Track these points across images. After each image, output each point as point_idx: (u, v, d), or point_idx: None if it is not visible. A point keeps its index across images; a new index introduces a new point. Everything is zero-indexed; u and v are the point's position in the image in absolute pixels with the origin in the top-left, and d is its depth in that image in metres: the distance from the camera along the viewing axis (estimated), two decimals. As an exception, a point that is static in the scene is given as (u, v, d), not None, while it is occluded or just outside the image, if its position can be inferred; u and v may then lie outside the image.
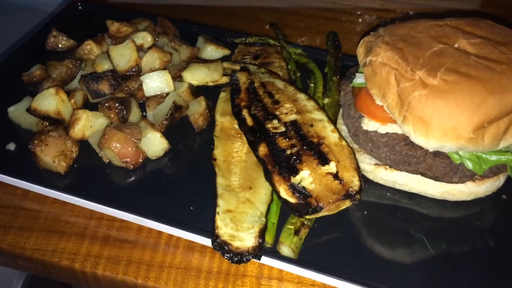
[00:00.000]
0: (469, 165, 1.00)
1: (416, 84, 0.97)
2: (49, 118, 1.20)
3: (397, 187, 1.13)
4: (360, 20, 1.80)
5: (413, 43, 1.03)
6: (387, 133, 1.06)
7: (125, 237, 1.08)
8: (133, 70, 1.28)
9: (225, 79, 1.34)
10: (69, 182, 1.16)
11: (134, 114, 1.24)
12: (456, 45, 1.02)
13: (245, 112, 1.20)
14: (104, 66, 1.30)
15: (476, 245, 1.06)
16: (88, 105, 1.28)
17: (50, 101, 1.20)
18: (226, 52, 1.46)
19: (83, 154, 1.20)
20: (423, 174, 1.06)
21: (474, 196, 1.10)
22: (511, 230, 1.09)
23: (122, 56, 1.28)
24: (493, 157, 1.00)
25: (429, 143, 0.97)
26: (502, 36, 1.05)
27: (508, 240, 1.07)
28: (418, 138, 0.98)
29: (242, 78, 1.29)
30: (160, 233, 1.08)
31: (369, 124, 1.09)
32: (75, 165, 1.18)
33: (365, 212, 1.11)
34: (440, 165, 1.02)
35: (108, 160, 1.19)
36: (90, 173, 1.18)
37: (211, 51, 1.44)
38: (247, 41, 1.52)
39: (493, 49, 1.00)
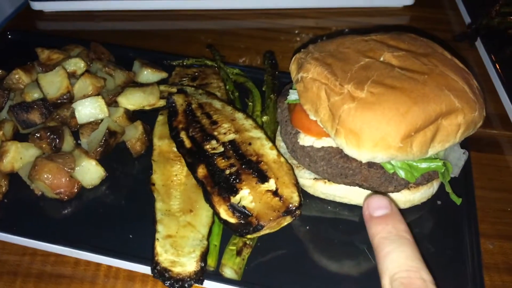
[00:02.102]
0: (402, 173, 1.03)
1: (345, 97, 0.99)
2: (-25, 152, 1.14)
3: (337, 200, 1.14)
4: (298, 38, 1.83)
5: (341, 58, 1.06)
6: (322, 147, 1.08)
7: (61, 272, 1.03)
8: (65, 97, 1.24)
9: (162, 102, 1.32)
10: (-1, 219, 1.10)
11: (68, 143, 1.19)
12: (381, 59, 1.05)
13: (183, 134, 1.19)
14: (33, 95, 1.25)
15: (416, 252, 1.08)
16: (19, 137, 1.23)
17: (-25, 134, 1.14)
18: (163, 75, 1.45)
19: (14, 188, 1.15)
20: (360, 186, 1.07)
21: (410, 204, 1.13)
22: (448, 235, 1.12)
23: (53, 84, 1.24)
24: (423, 165, 1.03)
25: (361, 154, 0.98)
26: (424, 48, 1.10)
27: (446, 245, 1.09)
28: (350, 150, 0.99)
29: (179, 100, 1.28)
30: (98, 265, 1.04)
31: (305, 139, 1.10)
32: (5, 200, 1.13)
33: (308, 227, 1.12)
34: (375, 176, 1.05)
35: (40, 193, 1.13)
36: (21, 208, 1.13)
37: (148, 74, 1.42)
38: (185, 63, 1.51)
39: (416, 61, 1.04)
